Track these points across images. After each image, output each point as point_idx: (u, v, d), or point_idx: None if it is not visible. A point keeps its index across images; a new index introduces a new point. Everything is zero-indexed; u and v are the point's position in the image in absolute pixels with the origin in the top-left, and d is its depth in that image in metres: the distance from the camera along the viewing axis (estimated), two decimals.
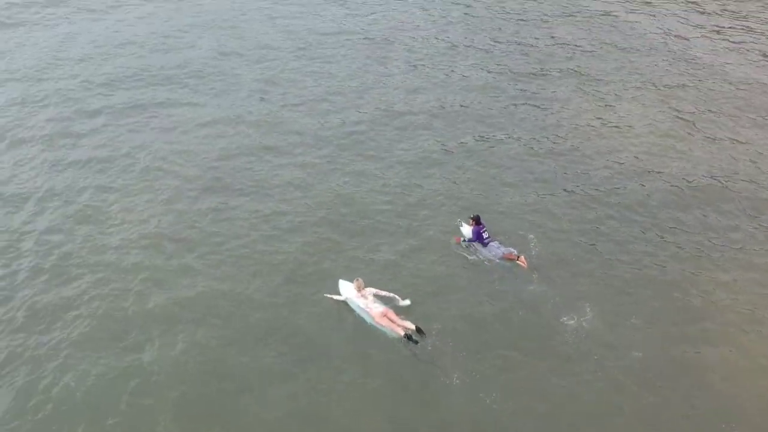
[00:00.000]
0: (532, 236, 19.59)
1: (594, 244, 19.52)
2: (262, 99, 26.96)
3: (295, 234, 19.80)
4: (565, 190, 21.81)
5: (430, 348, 16.17)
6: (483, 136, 24.54)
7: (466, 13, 34.80)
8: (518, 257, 18.67)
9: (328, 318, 17.13)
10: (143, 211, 20.71)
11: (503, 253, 18.80)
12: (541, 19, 34.11)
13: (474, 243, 19.23)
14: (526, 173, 22.59)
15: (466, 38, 32.31)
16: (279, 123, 25.29)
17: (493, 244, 19.06)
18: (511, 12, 35.04)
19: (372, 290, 17.37)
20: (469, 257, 19.04)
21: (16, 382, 15.44)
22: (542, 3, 35.98)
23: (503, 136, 24.59)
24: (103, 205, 20.97)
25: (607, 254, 19.18)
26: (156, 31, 32.73)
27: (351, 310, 17.34)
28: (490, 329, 16.81)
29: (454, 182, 22.12)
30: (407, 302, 17.37)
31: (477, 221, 19.26)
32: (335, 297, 17.58)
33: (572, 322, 16.84)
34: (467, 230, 19.55)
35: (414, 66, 29.61)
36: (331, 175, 22.40)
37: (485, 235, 19.11)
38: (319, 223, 20.21)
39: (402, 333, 16.43)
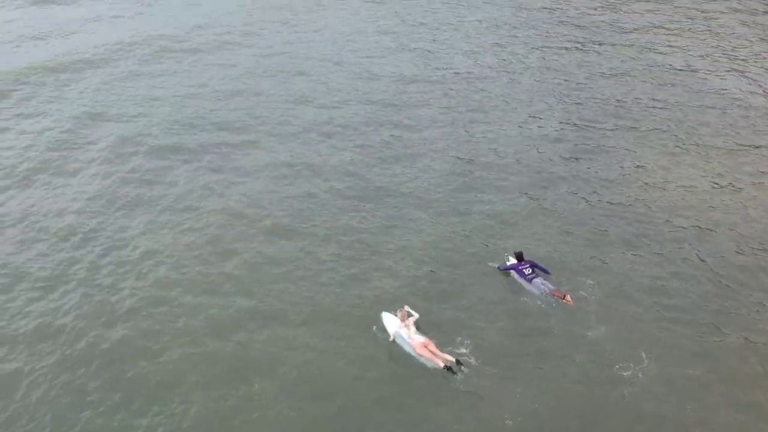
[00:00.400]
0: (590, 282, 19.50)
1: (652, 298, 19.15)
2: (328, 144, 27.47)
3: (352, 280, 19.93)
4: (626, 243, 21.52)
5: (482, 384, 16.22)
6: (546, 187, 24.47)
7: (536, 65, 34.81)
8: (564, 296, 18.66)
9: (374, 363, 17.23)
10: (200, 250, 21.13)
11: (550, 290, 18.92)
12: (613, 72, 33.94)
13: (514, 276, 19.67)
14: (588, 225, 22.36)
15: (533, 87, 32.48)
16: (343, 169, 25.62)
17: (537, 280, 19.24)
18: (581, 62, 35.01)
19: (413, 318, 17.78)
20: (521, 298, 19.07)
21: (56, 413, 15.90)
22: (613, 56, 35.81)
23: (566, 187, 24.50)
24: (162, 242, 21.49)
25: (665, 309, 18.79)
26: (225, 75, 33.93)
27: (393, 352, 17.46)
28: (542, 371, 16.75)
29: (517, 231, 22.11)
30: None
31: (519, 258, 19.88)
32: (388, 339, 17.69)
33: (627, 372, 16.60)
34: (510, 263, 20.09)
35: (481, 115, 29.77)
36: (392, 224, 22.50)
37: (526, 272, 19.49)
38: (376, 269, 20.32)
39: (442, 365, 16.56)
